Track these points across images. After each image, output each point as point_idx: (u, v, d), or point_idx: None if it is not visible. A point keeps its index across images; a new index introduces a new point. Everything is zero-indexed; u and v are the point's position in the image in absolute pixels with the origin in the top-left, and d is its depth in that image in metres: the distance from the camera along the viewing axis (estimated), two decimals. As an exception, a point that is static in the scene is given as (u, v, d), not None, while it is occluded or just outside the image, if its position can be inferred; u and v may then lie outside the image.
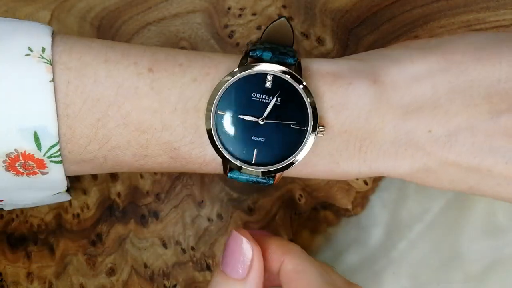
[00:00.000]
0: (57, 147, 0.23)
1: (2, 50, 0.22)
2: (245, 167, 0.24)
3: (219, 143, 0.24)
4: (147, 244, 0.33)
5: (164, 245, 0.33)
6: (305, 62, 0.25)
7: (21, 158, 0.22)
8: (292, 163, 0.24)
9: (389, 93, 0.24)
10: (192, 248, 0.33)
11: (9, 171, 0.23)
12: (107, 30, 0.33)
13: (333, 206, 0.33)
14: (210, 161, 0.25)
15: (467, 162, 0.23)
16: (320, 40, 0.33)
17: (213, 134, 0.23)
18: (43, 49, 0.23)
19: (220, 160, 0.24)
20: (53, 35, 0.24)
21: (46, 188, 0.25)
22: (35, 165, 0.23)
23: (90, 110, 0.23)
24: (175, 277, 0.33)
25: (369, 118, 0.24)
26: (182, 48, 0.33)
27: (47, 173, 0.24)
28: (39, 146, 0.22)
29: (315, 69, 0.24)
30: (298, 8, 0.33)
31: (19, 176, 0.23)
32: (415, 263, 0.33)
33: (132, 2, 0.33)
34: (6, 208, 0.28)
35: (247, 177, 0.24)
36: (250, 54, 0.24)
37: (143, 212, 0.33)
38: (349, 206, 0.33)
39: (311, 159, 0.25)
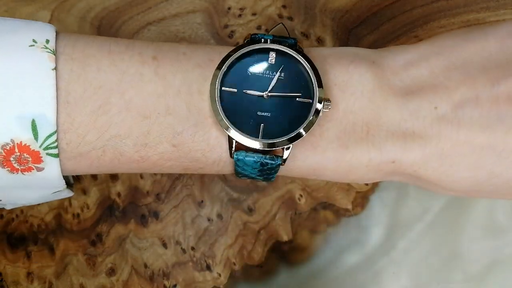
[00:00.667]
0: (54, 137, 0.22)
1: (6, 43, 0.22)
2: (251, 140, 0.23)
3: (225, 117, 0.23)
4: (147, 244, 0.33)
5: (164, 245, 0.33)
6: (306, 49, 0.25)
7: (16, 150, 0.22)
8: (299, 135, 0.23)
9: (388, 76, 0.24)
10: (192, 248, 0.33)
11: (3, 167, 0.22)
12: (107, 30, 0.33)
13: (333, 206, 0.33)
14: (214, 145, 0.24)
15: (478, 136, 0.23)
16: (320, 40, 0.33)
17: (219, 108, 0.23)
18: (47, 41, 0.23)
19: (225, 145, 0.24)
20: (56, 31, 0.24)
21: (43, 187, 0.24)
22: (30, 159, 0.22)
23: (91, 98, 0.23)
24: (175, 277, 0.33)
25: (373, 98, 0.24)
26: (182, 48, 0.33)
27: (42, 169, 0.23)
28: (36, 136, 0.22)
29: (317, 53, 0.25)
30: (298, 8, 0.33)
31: (14, 173, 0.23)
32: (415, 263, 0.33)
33: (132, 2, 0.33)
34: (8, 207, 0.28)
35: (253, 158, 0.23)
36: (252, 37, 0.24)
37: (143, 212, 0.33)
38: (349, 206, 0.33)
39: (319, 143, 0.24)
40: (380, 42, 0.33)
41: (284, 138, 0.23)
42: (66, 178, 0.29)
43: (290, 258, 0.34)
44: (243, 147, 0.23)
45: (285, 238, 0.33)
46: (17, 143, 0.22)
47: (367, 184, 0.33)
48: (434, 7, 0.33)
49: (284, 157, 0.24)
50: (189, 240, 0.33)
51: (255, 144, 0.23)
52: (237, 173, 0.25)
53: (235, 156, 0.24)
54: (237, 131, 0.23)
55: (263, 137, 0.23)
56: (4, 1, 0.32)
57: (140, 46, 0.24)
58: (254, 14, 0.33)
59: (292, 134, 0.23)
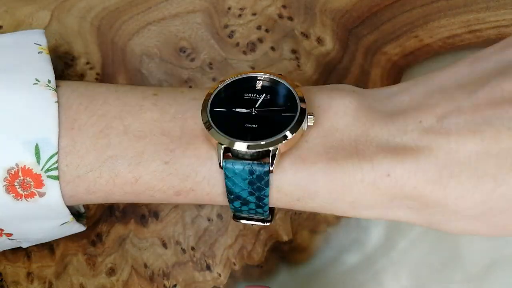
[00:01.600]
0: (55, 158, 0.24)
1: (12, 81, 0.25)
2: (239, 142, 0.24)
3: (213, 124, 0.24)
4: (147, 244, 0.33)
5: (164, 245, 0.33)
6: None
7: (20, 174, 0.23)
8: (285, 137, 0.24)
9: (370, 101, 0.25)
10: (192, 248, 0.33)
11: (8, 192, 0.24)
12: (107, 30, 0.33)
13: (333, 206, 0.33)
14: (204, 159, 0.25)
15: (469, 141, 0.23)
16: (320, 40, 0.33)
17: (208, 117, 0.24)
18: (49, 81, 0.25)
19: (215, 158, 0.25)
20: (57, 81, 0.26)
21: (49, 217, 0.25)
22: (32, 183, 0.24)
23: (94, 124, 0.25)
24: (175, 277, 0.33)
25: (357, 116, 0.25)
26: (182, 47, 0.33)
27: (44, 194, 0.24)
28: (38, 159, 0.24)
29: (300, 87, 0.26)
30: (298, 8, 0.33)
31: (18, 200, 0.24)
32: (415, 263, 0.33)
33: (132, 2, 0.33)
34: (24, 245, 0.29)
35: (242, 165, 0.24)
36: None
37: (143, 212, 0.33)
38: (349, 206, 0.33)
39: (307, 155, 0.24)
40: (380, 42, 0.33)
41: (270, 140, 0.24)
42: (76, 212, 0.30)
43: (290, 258, 0.34)
44: (232, 157, 0.24)
45: (285, 238, 0.33)
46: (21, 167, 0.23)
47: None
48: (434, 7, 0.33)
49: (271, 163, 0.24)
50: (189, 240, 0.33)
51: (242, 146, 0.24)
52: (229, 193, 0.25)
53: (224, 163, 0.24)
54: (225, 136, 0.24)
55: (250, 141, 0.24)
56: (4, 1, 0.32)
57: (143, 87, 0.27)
58: (254, 14, 0.33)
59: (278, 136, 0.24)
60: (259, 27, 0.33)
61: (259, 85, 0.26)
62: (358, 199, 0.24)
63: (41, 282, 0.33)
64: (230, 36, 0.33)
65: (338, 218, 0.34)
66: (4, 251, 0.33)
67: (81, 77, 0.33)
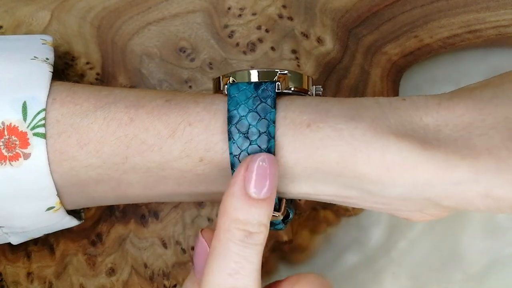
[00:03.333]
0: (42, 114, 0.23)
1: (10, 56, 0.24)
2: (243, 71, 0.23)
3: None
4: (147, 244, 0.33)
5: (164, 245, 0.33)
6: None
7: (6, 133, 0.23)
8: (292, 72, 0.24)
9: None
10: (192, 248, 0.33)
11: None
12: (107, 30, 0.33)
13: (333, 206, 0.33)
14: (207, 95, 0.24)
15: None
16: (320, 40, 0.33)
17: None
18: (47, 58, 0.25)
19: (218, 96, 0.24)
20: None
21: (32, 192, 0.24)
22: (18, 142, 0.23)
23: (96, 87, 0.25)
24: (175, 277, 0.33)
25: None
26: (182, 47, 0.33)
27: (29, 155, 0.23)
28: (24, 116, 0.23)
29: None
30: (298, 8, 0.33)
31: (2, 164, 0.23)
32: (415, 263, 0.33)
33: (132, 2, 0.33)
34: (13, 240, 0.27)
35: (247, 85, 0.23)
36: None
37: (143, 212, 0.33)
38: (349, 206, 0.33)
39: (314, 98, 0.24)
40: (380, 42, 0.33)
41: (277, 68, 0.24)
42: (76, 213, 0.29)
43: (290, 258, 0.34)
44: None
45: (285, 238, 0.33)
46: (7, 125, 0.23)
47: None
48: (434, 7, 0.33)
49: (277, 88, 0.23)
50: (189, 240, 0.33)
51: (248, 71, 0.23)
52: (230, 119, 0.23)
53: (228, 86, 0.23)
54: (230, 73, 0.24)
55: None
56: (4, 1, 0.32)
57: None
58: (254, 14, 0.33)
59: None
60: (259, 27, 0.33)
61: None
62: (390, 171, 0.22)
63: (41, 282, 0.33)
64: (230, 36, 0.33)
65: (338, 218, 0.34)
66: (4, 251, 0.33)
67: (81, 77, 0.33)
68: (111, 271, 0.33)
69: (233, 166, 0.23)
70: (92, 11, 0.33)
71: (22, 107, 0.23)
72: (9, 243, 0.32)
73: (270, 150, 0.22)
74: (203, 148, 0.23)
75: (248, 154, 0.22)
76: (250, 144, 0.22)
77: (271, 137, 0.22)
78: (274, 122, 0.22)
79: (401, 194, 0.22)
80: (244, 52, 0.33)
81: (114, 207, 0.33)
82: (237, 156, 0.23)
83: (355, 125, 0.22)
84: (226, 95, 0.23)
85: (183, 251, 0.33)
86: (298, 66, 0.33)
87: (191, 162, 0.24)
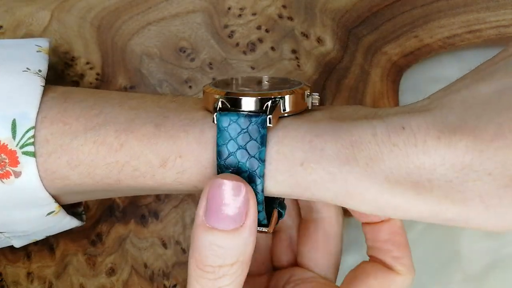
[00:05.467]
0: (31, 132, 0.23)
1: (1, 67, 0.24)
2: (236, 94, 0.22)
3: (213, 86, 0.24)
4: (147, 244, 0.33)
5: (164, 245, 0.33)
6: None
7: None
8: (289, 92, 0.23)
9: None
10: (192, 248, 0.33)
11: None
12: (107, 30, 0.33)
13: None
14: (198, 120, 0.23)
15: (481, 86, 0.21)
16: (320, 40, 0.33)
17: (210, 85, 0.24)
18: (40, 70, 0.25)
19: (209, 117, 0.23)
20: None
21: (29, 203, 0.24)
22: (7, 160, 0.22)
23: (89, 100, 0.24)
24: (175, 277, 0.33)
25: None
26: (182, 47, 0.33)
27: (20, 173, 0.23)
28: (14, 134, 0.22)
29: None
30: (298, 8, 0.33)
31: None
32: (415, 263, 0.33)
33: (132, 2, 0.33)
34: (16, 244, 0.27)
35: (237, 115, 0.21)
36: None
37: (143, 212, 0.33)
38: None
39: (310, 117, 0.23)
40: (380, 42, 0.33)
41: (273, 91, 0.22)
42: (71, 212, 0.28)
43: (290, 258, 0.34)
44: (228, 109, 0.22)
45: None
46: None
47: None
48: (434, 7, 0.33)
49: (270, 112, 0.22)
50: (189, 240, 0.33)
51: (241, 98, 0.22)
52: (219, 154, 0.22)
53: (217, 115, 0.22)
54: (223, 90, 0.23)
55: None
56: (4, 1, 0.32)
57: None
58: (254, 14, 0.33)
59: (281, 90, 0.22)
60: (259, 27, 0.33)
61: (265, 80, 0.26)
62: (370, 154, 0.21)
63: (41, 282, 0.33)
64: (230, 36, 0.33)
65: (338, 218, 0.34)
66: (4, 251, 0.33)
67: (81, 77, 0.33)
68: (111, 271, 0.33)
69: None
70: (92, 11, 0.33)
71: (12, 124, 0.22)
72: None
73: (259, 187, 0.22)
74: (196, 179, 0.23)
75: None
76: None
77: (260, 176, 0.22)
78: (263, 161, 0.22)
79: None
80: (244, 52, 0.33)
81: (114, 207, 0.33)
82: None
83: (349, 170, 0.21)
84: (215, 124, 0.22)
85: (183, 251, 0.33)
86: (298, 66, 0.33)
87: (186, 187, 0.23)
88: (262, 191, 0.22)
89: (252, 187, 0.21)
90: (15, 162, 0.22)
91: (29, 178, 0.23)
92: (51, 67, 0.33)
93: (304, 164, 0.21)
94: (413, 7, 0.33)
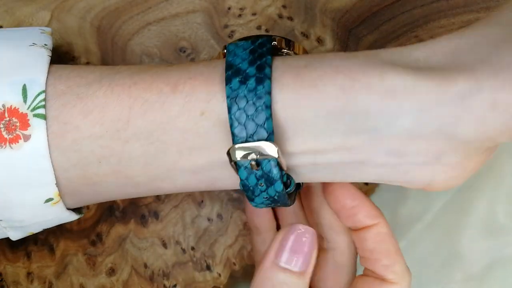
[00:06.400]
0: (42, 96, 0.23)
1: (9, 42, 0.25)
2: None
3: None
4: (147, 244, 0.33)
5: (164, 245, 0.33)
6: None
7: (6, 115, 0.23)
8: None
9: None
10: (192, 248, 0.33)
11: None
12: (107, 30, 0.33)
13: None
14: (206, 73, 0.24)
15: None
16: (320, 40, 0.33)
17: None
18: (46, 44, 0.25)
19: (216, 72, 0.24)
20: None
21: (31, 178, 0.24)
22: (18, 124, 0.23)
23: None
24: (175, 277, 0.33)
25: None
26: (182, 47, 0.33)
27: (29, 137, 0.23)
28: (25, 98, 0.23)
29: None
30: (298, 8, 0.33)
31: (2, 147, 0.23)
32: (415, 263, 0.33)
33: (132, 2, 0.33)
34: (12, 235, 0.27)
35: (245, 41, 0.23)
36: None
37: (143, 212, 0.33)
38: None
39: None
40: (380, 42, 0.33)
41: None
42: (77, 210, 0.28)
43: (290, 258, 0.34)
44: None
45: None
46: (8, 107, 0.23)
47: (367, 184, 0.33)
48: (434, 7, 0.33)
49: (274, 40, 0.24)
50: (189, 240, 0.33)
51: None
52: (228, 67, 0.23)
53: (227, 45, 0.23)
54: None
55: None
56: (4, 1, 0.32)
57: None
58: (254, 14, 0.33)
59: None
60: (259, 27, 0.33)
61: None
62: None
63: (41, 282, 0.33)
64: (230, 36, 0.33)
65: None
66: (4, 251, 0.33)
67: (81, 77, 0.33)
68: (111, 271, 0.33)
69: (230, 110, 0.22)
70: (92, 11, 0.33)
71: (22, 89, 0.23)
72: (9, 242, 0.32)
73: (268, 91, 0.22)
74: (204, 99, 0.23)
75: (245, 96, 0.22)
76: (246, 87, 0.22)
77: (267, 77, 0.22)
78: (270, 65, 0.22)
79: (412, 128, 0.22)
80: (244, 52, 0.33)
81: (114, 207, 0.33)
82: (234, 99, 0.22)
83: (352, 62, 0.22)
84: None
85: (183, 251, 0.33)
86: (298, 66, 0.33)
87: (192, 118, 0.23)
88: (269, 93, 0.22)
89: (259, 89, 0.22)
90: (25, 125, 0.23)
91: (38, 142, 0.23)
92: (51, 67, 0.33)
93: (307, 66, 0.23)
94: (413, 7, 0.33)
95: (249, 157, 0.22)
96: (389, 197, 0.34)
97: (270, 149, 0.22)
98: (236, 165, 0.23)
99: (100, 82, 0.24)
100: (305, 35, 0.33)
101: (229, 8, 0.33)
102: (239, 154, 0.22)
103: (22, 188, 0.24)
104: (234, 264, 0.33)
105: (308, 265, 0.25)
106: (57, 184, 0.24)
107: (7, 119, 0.23)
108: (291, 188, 0.24)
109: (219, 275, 0.33)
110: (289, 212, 0.30)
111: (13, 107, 0.23)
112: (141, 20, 0.33)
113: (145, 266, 0.33)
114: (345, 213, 0.26)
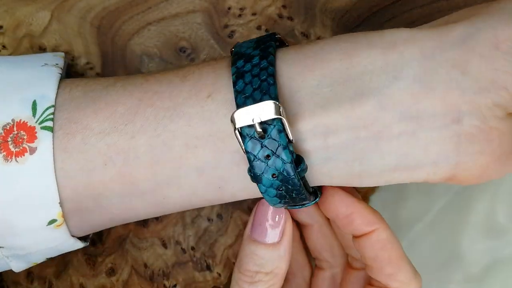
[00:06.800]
0: (51, 110, 0.23)
1: (21, 63, 0.26)
2: None
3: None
4: (147, 244, 0.33)
5: (164, 245, 0.33)
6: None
7: (15, 128, 0.23)
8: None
9: None
10: (192, 248, 0.33)
11: (0, 151, 0.23)
12: (107, 30, 0.33)
13: (333, 206, 0.33)
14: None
15: None
16: (320, 40, 0.33)
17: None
18: (57, 64, 0.26)
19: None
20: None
21: (35, 199, 0.23)
22: (26, 137, 0.23)
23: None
24: (175, 277, 0.33)
25: None
26: (182, 47, 0.33)
27: (35, 149, 0.23)
28: (34, 112, 0.23)
29: None
30: (298, 8, 0.33)
31: (7, 161, 0.22)
32: (415, 263, 0.33)
33: (132, 2, 0.33)
34: (15, 266, 0.26)
35: (249, 40, 0.25)
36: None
37: (143, 212, 0.33)
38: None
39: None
40: (380, 42, 0.33)
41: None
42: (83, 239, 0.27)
43: (290, 258, 0.34)
44: None
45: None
46: (17, 121, 0.23)
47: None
48: (434, 7, 0.33)
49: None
50: (189, 240, 0.33)
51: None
52: (235, 54, 0.23)
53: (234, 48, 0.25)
54: None
55: None
56: (4, 1, 0.32)
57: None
58: (254, 14, 0.33)
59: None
60: (259, 27, 0.33)
61: None
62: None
63: (41, 282, 0.33)
64: (230, 36, 0.33)
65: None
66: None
67: (81, 77, 0.33)
68: (111, 271, 0.33)
69: (235, 85, 0.22)
70: (92, 11, 0.33)
71: (32, 104, 0.23)
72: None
73: (271, 63, 0.22)
74: (211, 81, 0.24)
75: (249, 71, 0.22)
76: (251, 63, 0.22)
77: (270, 54, 0.23)
78: (274, 47, 0.23)
79: (419, 78, 0.21)
80: (244, 52, 0.33)
81: (114, 207, 0.33)
82: (239, 75, 0.22)
83: (351, 34, 0.23)
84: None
85: (183, 251, 0.33)
86: (298, 66, 0.33)
87: (199, 102, 0.23)
88: (273, 64, 0.22)
89: (262, 63, 0.22)
90: (32, 137, 0.23)
91: (44, 153, 0.23)
92: (51, 67, 0.33)
93: (309, 43, 0.24)
94: (413, 7, 0.33)
95: (253, 120, 0.21)
96: (389, 197, 0.34)
97: (271, 107, 0.21)
98: (241, 137, 0.22)
99: (114, 85, 0.25)
100: (305, 35, 0.33)
101: (229, 8, 0.33)
102: (241, 118, 0.21)
103: (25, 209, 0.23)
104: (234, 264, 0.33)
105: (278, 237, 0.26)
106: (61, 204, 0.23)
107: (15, 132, 0.23)
108: (302, 166, 0.22)
109: (219, 275, 0.33)
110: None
111: (22, 121, 0.23)
112: (141, 20, 0.33)
113: (145, 266, 0.33)
114: (341, 222, 0.25)
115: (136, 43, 0.33)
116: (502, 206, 0.34)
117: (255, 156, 0.22)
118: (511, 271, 0.33)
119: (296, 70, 0.22)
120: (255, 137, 0.21)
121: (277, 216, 0.26)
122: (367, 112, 0.21)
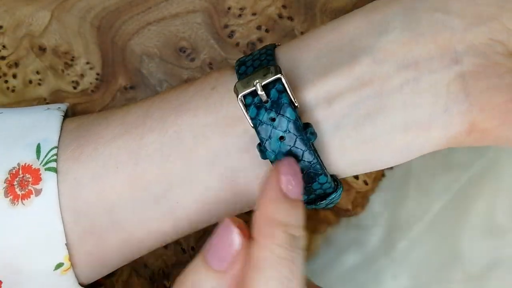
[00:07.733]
0: (54, 151, 0.24)
1: (25, 110, 0.27)
2: None
3: None
4: (147, 244, 0.33)
5: (164, 245, 0.33)
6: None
7: (20, 172, 0.23)
8: None
9: None
10: (192, 248, 0.33)
11: (7, 195, 0.23)
12: (107, 30, 0.33)
13: (333, 206, 0.33)
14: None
15: None
16: (320, 40, 0.33)
17: None
18: (59, 108, 0.27)
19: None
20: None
21: (42, 241, 0.23)
22: (31, 179, 0.23)
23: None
24: (175, 277, 0.33)
25: None
26: (182, 47, 0.33)
27: (40, 191, 0.23)
28: (38, 155, 0.24)
29: None
30: (298, 8, 0.33)
31: (14, 205, 0.23)
32: (415, 263, 0.33)
33: (132, 2, 0.33)
34: None
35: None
36: None
37: (143, 212, 0.33)
38: (349, 206, 0.33)
39: None
40: (380, 42, 0.33)
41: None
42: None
43: (290, 258, 0.34)
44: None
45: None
46: (22, 165, 0.24)
47: (367, 184, 0.33)
48: (434, 7, 0.33)
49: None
50: (189, 240, 0.33)
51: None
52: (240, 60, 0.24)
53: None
54: None
55: None
56: (4, 1, 0.32)
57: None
58: (254, 14, 0.33)
59: None
60: (259, 27, 0.33)
61: None
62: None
63: (41, 282, 0.33)
64: (230, 36, 0.33)
65: (338, 218, 0.34)
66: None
67: (81, 77, 0.33)
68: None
69: (238, 69, 0.23)
70: (92, 11, 0.33)
71: (36, 148, 0.24)
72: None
73: (271, 49, 0.24)
74: (216, 78, 0.25)
75: (251, 63, 0.23)
76: (253, 57, 0.24)
77: (271, 47, 0.24)
78: (274, 47, 0.24)
79: (405, 26, 0.21)
80: (244, 52, 0.33)
81: (114, 207, 0.33)
82: (242, 65, 0.23)
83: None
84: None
85: (183, 251, 0.33)
86: (298, 66, 0.33)
87: (204, 95, 0.24)
88: (273, 50, 0.24)
89: (262, 52, 0.24)
90: (37, 179, 0.23)
91: (49, 194, 0.23)
92: (51, 67, 0.33)
93: (305, 33, 0.25)
94: (413, 7, 0.33)
95: (254, 84, 0.21)
96: (389, 197, 0.34)
97: (271, 70, 0.22)
98: (246, 108, 0.22)
99: (110, 120, 0.25)
100: (305, 35, 0.33)
101: (229, 8, 0.33)
102: (243, 86, 0.22)
103: (32, 254, 0.23)
104: (234, 264, 0.33)
105: (227, 267, 0.21)
106: (68, 245, 0.23)
107: (21, 175, 0.23)
108: (311, 129, 0.22)
109: (219, 275, 0.33)
110: None
111: (27, 165, 0.24)
112: (141, 20, 0.33)
113: (145, 266, 0.33)
114: None
115: (136, 43, 0.33)
116: (502, 206, 0.34)
117: (260, 120, 0.21)
118: (511, 271, 0.33)
119: (293, 51, 0.24)
120: (258, 103, 0.21)
121: (235, 243, 0.21)
122: (364, 69, 0.22)
